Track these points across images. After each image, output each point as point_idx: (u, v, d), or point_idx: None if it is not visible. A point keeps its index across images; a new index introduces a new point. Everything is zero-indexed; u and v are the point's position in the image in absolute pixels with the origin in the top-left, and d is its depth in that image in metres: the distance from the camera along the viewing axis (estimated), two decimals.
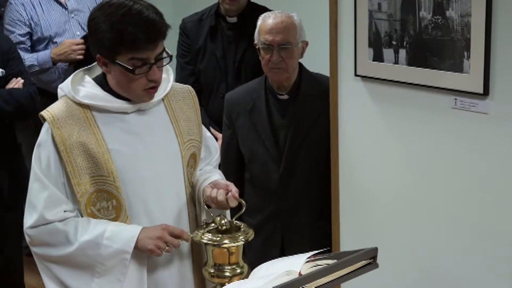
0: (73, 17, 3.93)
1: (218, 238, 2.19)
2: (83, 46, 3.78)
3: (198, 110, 2.43)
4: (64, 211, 2.19)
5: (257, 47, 3.03)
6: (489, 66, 2.35)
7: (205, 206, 2.30)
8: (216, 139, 3.47)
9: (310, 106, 3.04)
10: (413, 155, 2.66)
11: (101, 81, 2.24)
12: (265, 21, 3.01)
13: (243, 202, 2.27)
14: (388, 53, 2.62)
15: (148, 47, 2.11)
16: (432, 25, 2.47)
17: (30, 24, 3.89)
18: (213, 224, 2.24)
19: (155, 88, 2.22)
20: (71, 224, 2.18)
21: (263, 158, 3.08)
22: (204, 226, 2.25)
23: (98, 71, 2.29)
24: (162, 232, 2.18)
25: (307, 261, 1.93)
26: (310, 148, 3.04)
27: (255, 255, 3.09)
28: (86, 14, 3.93)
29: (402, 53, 2.58)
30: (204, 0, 3.85)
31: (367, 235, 2.86)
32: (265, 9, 3.43)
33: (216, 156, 2.55)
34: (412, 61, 2.56)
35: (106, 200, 2.21)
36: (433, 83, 2.51)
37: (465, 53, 2.39)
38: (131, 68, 2.12)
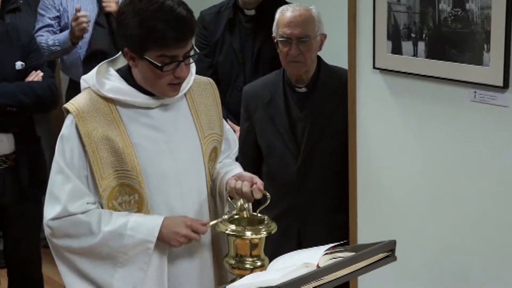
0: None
1: (241, 229, 2.19)
2: (82, 19, 3.77)
3: (219, 103, 2.43)
4: (87, 203, 2.19)
5: (275, 40, 3.03)
6: (509, 59, 2.34)
7: (228, 198, 2.31)
8: (234, 131, 3.49)
9: (328, 99, 3.03)
10: (431, 148, 2.65)
11: (126, 75, 2.24)
12: (283, 14, 3.00)
13: (268, 194, 2.27)
14: (407, 45, 2.61)
15: (178, 45, 2.11)
16: (452, 17, 2.46)
17: (60, 9, 3.94)
18: (236, 216, 2.25)
19: (180, 84, 2.21)
20: (93, 216, 2.19)
21: (280, 151, 3.08)
22: (227, 217, 2.26)
23: (121, 63, 2.30)
24: (187, 231, 2.19)
25: (325, 254, 1.93)
26: (328, 141, 3.04)
27: (271, 248, 3.07)
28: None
29: (421, 45, 2.57)
30: None
31: (385, 229, 2.85)
32: (283, 2, 3.42)
33: (235, 149, 2.55)
34: (431, 54, 2.55)
35: (128, 194, 2.22)
36: (452, 76, 2.50)
37: (485, 46, 2.38)
38: (159, 65, 2.12)
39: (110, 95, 2.21)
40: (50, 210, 2.21)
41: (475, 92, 2.47)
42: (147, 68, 2.15)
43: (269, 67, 3.39)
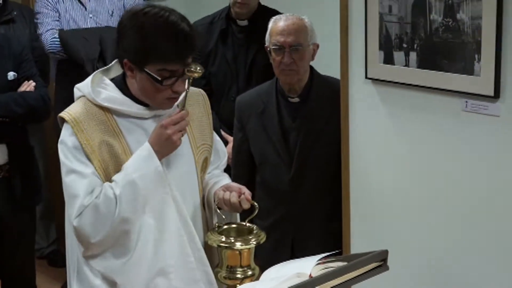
0: (91, 17, 3.96)
1: (230, 241, 2.21)
2: None
3: (210, 114, 2.45)
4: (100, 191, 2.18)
5: (268, 49, 3.04)
6: (500, 69, 2.35)
7: (217, 209, 2.32)
8: (227, 142, 3.49)
9: (321, 109, 3.04)
10: (423, 157, 2.66)
11: (121, 85, 2.26)
12: (276, 23, 3.02)
13: (256, 204, 2.29)
14: (398, 55, 2.63)
15: (179, 60, 2.13)
16: (443, 27, 2.47)
17: (58, 9, 3.98)
18: (225, 226, 2.27)
19: (177, 99, 2.23)
20: (103, 192, 2.16)
21: (273, 161, 3.09)
22: (216, 228, 2.27)
23: (115, 72, 2.31)
24: (170, 129, 2.18)
25: (318, 263, 1.94)
26: (320, 151, 3.05)
27: (265, 258, 3.06)
28: (105, 15, 3.97)
29: (413, 55, 2.58)
30: (215, 3, 3.87)
31: (378, 238, 2.86)
32: (276, 12, 3.43)
33: (224, 160, 2.56)
34: (423, 64, 2.56)
35: None
36: (443, 85, 2.51)
37: (476, 56, 2.39)
38: (159, 79, 2.14)
39: (105, 104, 2.22)
40: (71, 211, 2.17)
41: (466, 102, 2.47)
42: (146, 80, 2.16)
43: (262, 77, 3.40)
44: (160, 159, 2.19)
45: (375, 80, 2.74)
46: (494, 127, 2.42)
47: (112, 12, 3.98)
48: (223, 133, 3.59)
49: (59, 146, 2.23)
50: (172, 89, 2.17)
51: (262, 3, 3.71)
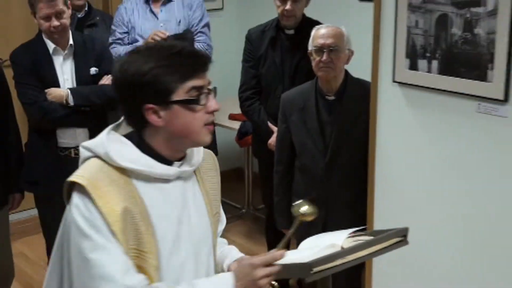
0: (161, 26, 3.92)
1: None
2: (163, 37, 3.73)
3: (219, 176, 1.92)
4: (144, 278, 1.65)
5: (309, 51, 3.08)
6: (510, 76, 2.35)
7: None
8: (273, 132, 3.54)
9: (353, 107, 3.07)
10: (441, 151, 2.66)
11: (139, 141, 1.71)
12: (318, 30, 3.08)
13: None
14: (422, 63, 2.63)
15: (202, 72, 1.67)
16: (462, 40, 2.48)
17: (128, 26, 3.94)
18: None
19: (212, 125, 1.71)
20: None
21: (311, 150, 3.12)
22: None
23: (123, 129, 1.78)
24: (256, 273, 1.69)
25: (349, 236, 1.95)
26: (352, 142, 3.07)
27: (300, 232, 3.11)
28: (173, 24, 3.92)
29: (435, 63, 2.59)
30: (265, 14, 3.91)
31: (398, 224, 2.84)
32: (319, 23, 3.46)
33: (222, 227, 2.01)
34: (443, 71, 2.57)
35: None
36: (460, 90, 2.52)
37: (489, 65, 2.40)
38: (194, 98, 1.65)
39: (127, 165, 1.67)
40: None
41: (479, 104, 2.48)
42: (179, 112, 1.65)
43: (304, 78, 3.42)
44: None
45: (401, 84, 2.74)
46: (503, 127, 2.42)
47: (180, 21, 3.93)
48: (269, 124, 3.63)
49: (75, 215, 1.63)
50: (207, 110, 1.68)
51: (307, 15, 3.74)
